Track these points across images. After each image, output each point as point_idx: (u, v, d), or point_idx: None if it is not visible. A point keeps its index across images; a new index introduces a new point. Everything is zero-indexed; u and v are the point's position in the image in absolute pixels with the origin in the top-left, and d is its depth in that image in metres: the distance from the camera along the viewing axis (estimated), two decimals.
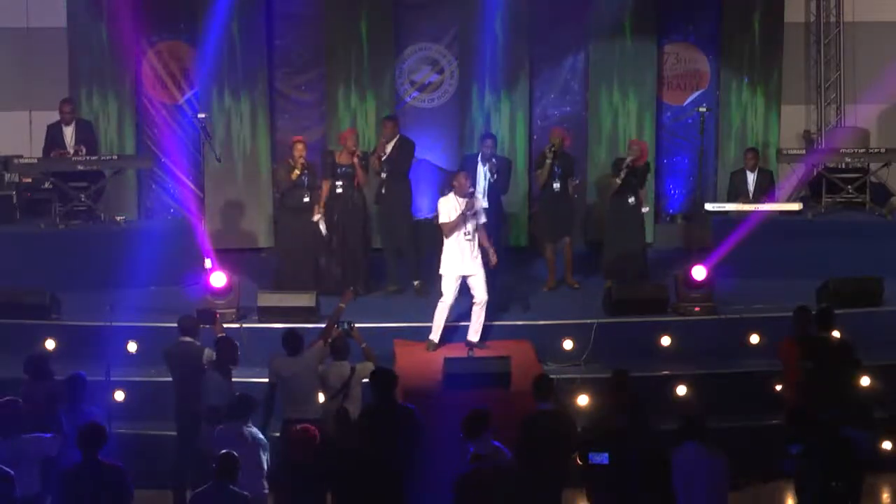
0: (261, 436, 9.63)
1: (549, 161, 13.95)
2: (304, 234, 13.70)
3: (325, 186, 13.73)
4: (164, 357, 10.83)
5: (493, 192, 13.93)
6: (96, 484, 8.46)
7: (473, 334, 12.35)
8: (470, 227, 12.24)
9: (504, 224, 14.80)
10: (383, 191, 14.03)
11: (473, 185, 12.96)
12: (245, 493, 8.45)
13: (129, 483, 8.67)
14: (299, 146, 13.65)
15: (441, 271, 12.35)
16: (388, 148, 13.92)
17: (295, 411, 10.24)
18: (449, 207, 12.23)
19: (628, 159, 13.88)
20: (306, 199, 13.63)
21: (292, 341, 10.53)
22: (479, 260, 12.31)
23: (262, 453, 9.50)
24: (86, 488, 8.45)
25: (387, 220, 14.15)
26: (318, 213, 13.66)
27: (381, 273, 14.21)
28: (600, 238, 14.62)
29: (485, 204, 13.60)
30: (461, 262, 12.24)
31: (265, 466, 9.48)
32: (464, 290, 12.40)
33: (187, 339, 10.65)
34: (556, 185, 14.03)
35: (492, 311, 12.94)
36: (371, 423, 9.64)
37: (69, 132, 14.69)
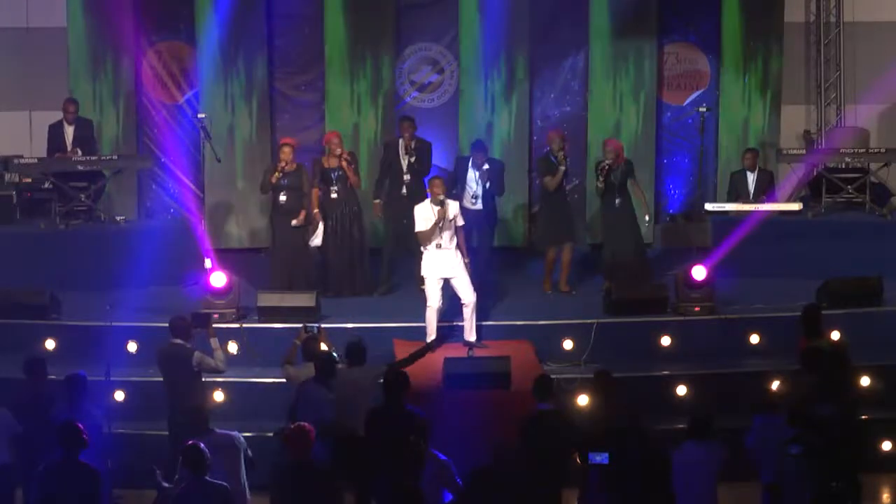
0: (226, 433, 9.47)
1: (562, 168, 13.93)
2: (290, 235, 13.65)
3: (315, 195, 13.65)
4: (156, 359, 10.82)
5: (488, 197, 13.95)
6: (69, 485, 8.46)
7: (470, 334, 12.33)
8: (446, 235, 12.22)
9: (500, 226, 14.81)
10: (404, 191, 13.98)
11: (447, 191, 12.87)
12: (222, 482, 8.42)
13: (102, 488, 8.64)
14: (286, 149, 13.53)
15: (423, 273, 12.33)
16: (410, 148, 13.96)
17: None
18: (425, 215, 12.22)
19: (605, 162, 13.85)
20: (283, 199, 13.53)
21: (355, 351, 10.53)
22: (459, 261, 12.29)
23: (237, 450, 9.37)
24: (59, 488, 8.47)
25: (399, 220, 14.03)
26: (300, 219, 13.55)
27: (398, 272, 14.24)
28: (598, 240, 14.65)
29: (479, 206, 13.65)
30: (440, 265, 12.22)
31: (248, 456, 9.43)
32: (452, 290, 12.38)
33: (178, 341, 10.59)
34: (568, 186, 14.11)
35: (492, 311, 12.97)
36: (377, 424, 9.64)
37: (70, 131, 14.70)
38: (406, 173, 13.95)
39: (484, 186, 13.83)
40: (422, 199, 13.64)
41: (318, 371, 10.27)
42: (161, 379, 11.07)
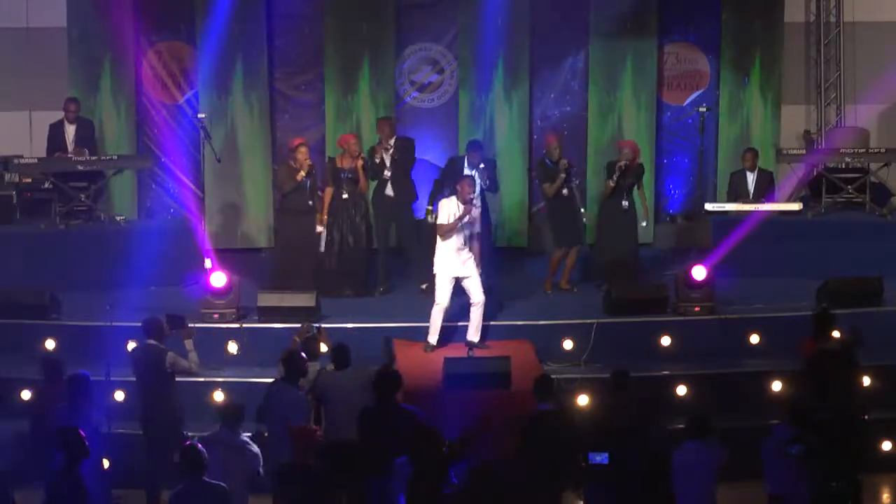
0: (250, 444, 9.49)
1: (562, 175, 13.91)
2: (303, 236, 13.69)
3: (328, 194, 13.72)
4: (130, 360, 10.82)
5: (484, 195, 13.93)
6: (67, 496, 8.49)
7: (473, 334, 12.34)
8: (466, 232, 12.24)
9: (500, 226, 14.80)
10: (387, 191, 14.03)
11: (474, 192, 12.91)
12: (220, 483, 8.43)
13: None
14: (303, 149, 13.61)
15: (435, 271, 12.34)
16: (390, 149, 13.97)
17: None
18: (449, 210, 12.23)
19: (621, 162, 13.85)
20: (311, 203, 13.64)
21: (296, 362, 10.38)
22: (472, 262, 12.30)
23: (248, 461, 9.39)
24: (59, 498, 8.49)
25: (389, 220, 14.15)
26: (322, 224, 13.64)
27: (395, 272, 14.25)
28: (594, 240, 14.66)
29: (478, 205, 13.65)
30: (455, 263, 12.22)
31: (256, 473, 9.41)
32: (459, 291, 12.36)
33: (152, 341, 10.58)
34: (565, 191, 14.01)
35: (492, 311, 12.95)
36: (371, 424, 9.63)
37: (71, 131, 14.70)
38: (388, 170, 13.96)
39: (482, 185, 13.83)
40: (409, 198, 13.71)
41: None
42: None
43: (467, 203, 12.18)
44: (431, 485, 8.46)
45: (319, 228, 13.68)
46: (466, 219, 12.21)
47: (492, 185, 14.10)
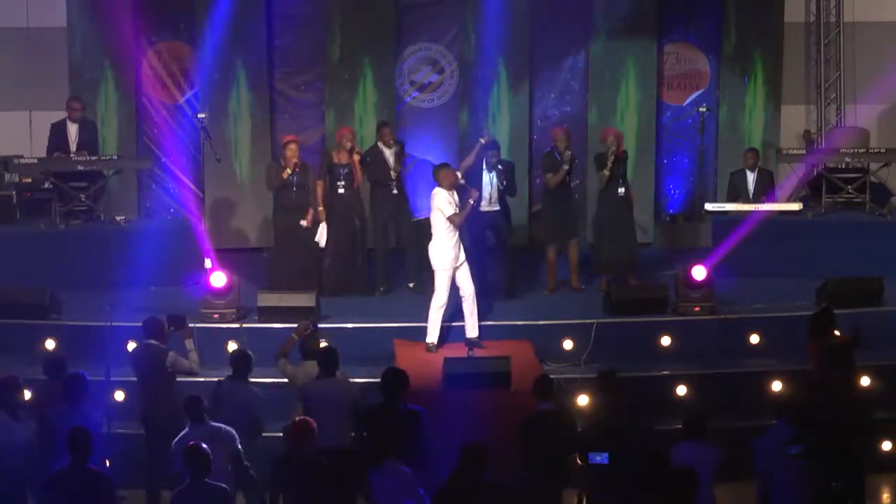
0: (228, 429, 9.52)
1: (565, 167, 13.85)
2: (297, 234, 13.67)
3: (320, 188, 13.71)
4: (130, 360, 10.84)
5: (503, 197, 13.88)
6: (81, 491, 8.47)
7: (472, 330, 12.30)
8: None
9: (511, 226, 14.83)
10: (393, 191, 14.03)
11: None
12: (222, 485, 8.48)
13: (115, 494, 8.71)
14: (292, 146, 13.56)
15: (436, 266, 12.29)
16: (394, 151, 13.99)
17: None
18: (448, 199, 12.19)
19: (611, 150, 13.79)
20: (293, 197, 13.59)
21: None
22: (462, 250, 12.29)
23: (234, 447, 9.45)
24: (68, 495, 8.47)
25: (390, 219, 14.14)
26: (309, 220, 13.59)
27: (395, 272, 14.25)
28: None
29: (497, 207, 13.57)
30: (454, 254, 12.21)
31: (238, 451, 9.47)
32: (452, 291, 12.33)
33: (153, 341, 10.61)
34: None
35: (492, 311, 12.96)
36: (377, 423, 9.64)
37: (74, 130, 14.69)
38: (393, 171, 13.96)
39: (500, 186, 13.72)
40: (405, 199, 13.65)
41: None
42: None
43: (458, 187, 12.20)
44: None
45: (303, 223, 13.58)
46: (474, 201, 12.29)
47: (509, 188, 13.94)
